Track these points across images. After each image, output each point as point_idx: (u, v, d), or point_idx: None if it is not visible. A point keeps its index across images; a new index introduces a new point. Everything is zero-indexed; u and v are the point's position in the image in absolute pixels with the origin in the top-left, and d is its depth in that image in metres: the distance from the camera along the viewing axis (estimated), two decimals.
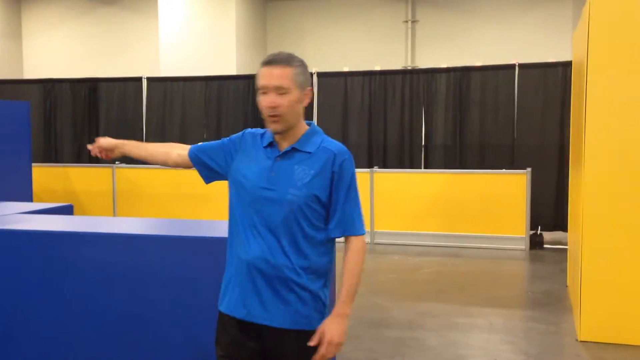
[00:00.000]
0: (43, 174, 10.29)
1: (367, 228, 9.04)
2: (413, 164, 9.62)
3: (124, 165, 10.24)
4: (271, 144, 2.34)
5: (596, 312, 4.83)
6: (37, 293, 3.61)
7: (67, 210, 4.84)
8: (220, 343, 2.41)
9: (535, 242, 8.59)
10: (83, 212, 9.73)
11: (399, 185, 9.03)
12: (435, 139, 9.58)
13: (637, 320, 4.74)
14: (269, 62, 2.28)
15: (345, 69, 10.31)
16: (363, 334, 5.12)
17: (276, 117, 2.26)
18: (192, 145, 2.56)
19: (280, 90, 2.25)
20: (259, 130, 2.42)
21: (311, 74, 10.41)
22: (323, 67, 10.66)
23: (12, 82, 11.79)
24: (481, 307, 5.88)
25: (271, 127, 2.30)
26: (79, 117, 11.08)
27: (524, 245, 8.48)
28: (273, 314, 2.30)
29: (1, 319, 3.68)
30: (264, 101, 2.27)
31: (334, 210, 2.32)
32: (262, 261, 2.28)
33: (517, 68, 9.13)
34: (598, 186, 4.78)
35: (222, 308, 2.40)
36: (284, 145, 2.32)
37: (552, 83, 8.96)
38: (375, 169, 9.19)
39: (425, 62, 12.69)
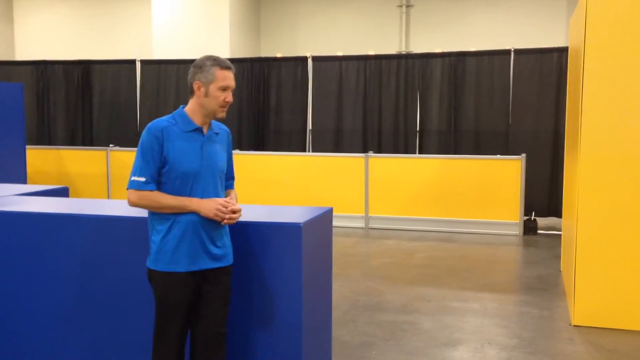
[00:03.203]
0: (37, 157, 10.24)
1: (361, 213, 9.07)
2: (408, 150, 9.62)
3: (117, 148, 10.20)
4: (196, 130, 2.98)
5: (590, 297, 4.87)
6: (34, 274, 3.60)
7: (62, 192, 4.81)
8: (181, 302, 2.93)
9: (529, 228, 8.63)
10: (77, 195, 9.70)
11: (393, 170, 9.03)
12: (430, 125, 9.57)
13: (630, 306, 4.79)
14: (231, 67, 3.05)
15: (339, 54, 10.27)
16: (358, 318, 5.15)
17: (226, 107, 3.03)
18: (147, 183, 2.89)
19: (233, 90, 3.05)
20: (163, 122, 2.96)
21: (305, 58, 10.38)
22: (316, 51, 10.61)
23: (4, 63, 11.66)
24: (475, 291, 5.91)
25: (220, 115, 3.02)
26: (72, 99, 11.00)
27: (517, 230, 8.53)
28: (223, 256, 3.04)
29: None
30: (228, 97, 3.01)
31: (230, 170, 3.24)
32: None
33: (512, 54, 9.12)
34: (594, 172, 4.79)
35: (181, 267, 2.92)
36: (205, 129, 3.03)
37: (547, 69, 8.96)
38: (370, 153, 9.18)
39: (419, 47, 12.64)
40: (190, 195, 2.94)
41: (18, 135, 8.62)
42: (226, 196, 3.16)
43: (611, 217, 4.77)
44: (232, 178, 3.29)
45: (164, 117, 3.00)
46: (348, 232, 8.81)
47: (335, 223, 8.83)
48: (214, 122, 3.10)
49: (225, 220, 2.95)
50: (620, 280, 4.78)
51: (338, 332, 4.78)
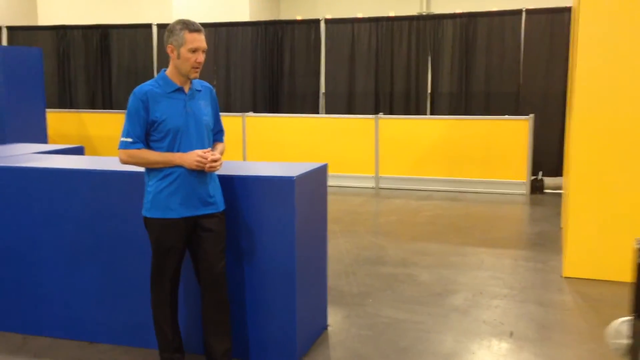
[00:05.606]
0: (57, 119, 10.57)
1: (372, 173, 9.27)
2: (419, 112, 9.73)
3: None
4: (178, 90, 3.24)
5: (580, 250, 5.05)
6: (49, 222, 3.91)
7: (78, 151, 5.09)
8: (175, 246, 3.27)
9: (536, 187, 8.76)
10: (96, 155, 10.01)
11: (403, 131, 9.18)
12: (441, 87, 9.66)
13: (617, 258, 4.94)
14: (200, 30, 3.22)
15: (359, 15, 10.32)
16: (358, 270, 5.40)
17: (198, 69, 3.24)
18: (133, 143, 3.21)
19: (204, 51, 3.25)
20: (147, 86, 3.23)
21: (319, 21, 10.41)
22: (336, 13, 10.68)
23: (26, 28, 11.93)
24: (475, 247, 6.12)
25: (193, 75, 3.24)
26: (91, 63, 11.27)
27: (524, 190, 8.67)
28: (213, 203, 3.33)
29: (14, 250, 3.99)
30: (199, 58, 3.22)
31: (217, 124, 3.52)
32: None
33: (523, 14, 9.12)
34: (585, 130, 4.93)
35: (175, 214, 3.22)
36: (187, 88, 3.28)
37: (558, 29, 8.95)
38: (380, 115, 9.33)
39: (440, 8, 12.59)
40: (179, 150, 3.22)
41: (38, 99, 8.93)
42: (214, 148, 3.42)
43: (601, 174, 4.92)
44: (221, 131, 3.57)
45: (148, 82, 3.28)
46: (358, 191, 9.03)
47: (346, 183, 9.17)
48: (195, 80, 3.32)
49: (207, 168, 3.21)
50: (609, 233, 4.95)
51: (338, 282, 5.04)
